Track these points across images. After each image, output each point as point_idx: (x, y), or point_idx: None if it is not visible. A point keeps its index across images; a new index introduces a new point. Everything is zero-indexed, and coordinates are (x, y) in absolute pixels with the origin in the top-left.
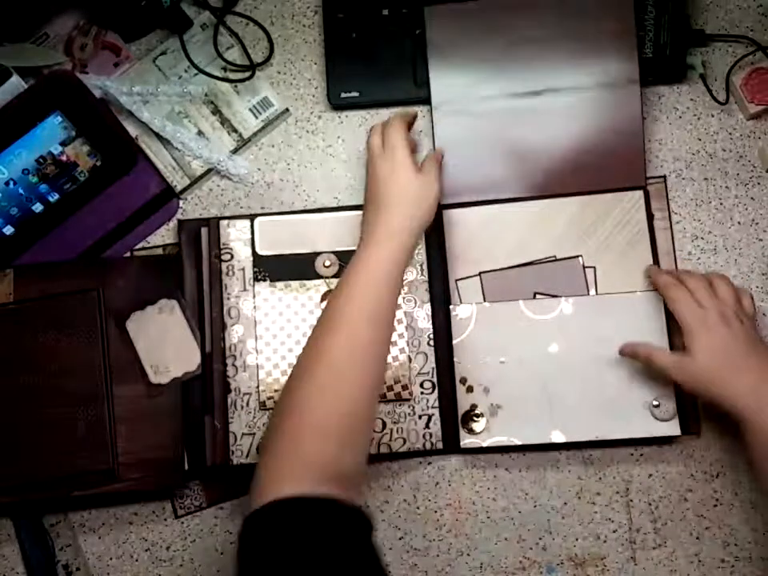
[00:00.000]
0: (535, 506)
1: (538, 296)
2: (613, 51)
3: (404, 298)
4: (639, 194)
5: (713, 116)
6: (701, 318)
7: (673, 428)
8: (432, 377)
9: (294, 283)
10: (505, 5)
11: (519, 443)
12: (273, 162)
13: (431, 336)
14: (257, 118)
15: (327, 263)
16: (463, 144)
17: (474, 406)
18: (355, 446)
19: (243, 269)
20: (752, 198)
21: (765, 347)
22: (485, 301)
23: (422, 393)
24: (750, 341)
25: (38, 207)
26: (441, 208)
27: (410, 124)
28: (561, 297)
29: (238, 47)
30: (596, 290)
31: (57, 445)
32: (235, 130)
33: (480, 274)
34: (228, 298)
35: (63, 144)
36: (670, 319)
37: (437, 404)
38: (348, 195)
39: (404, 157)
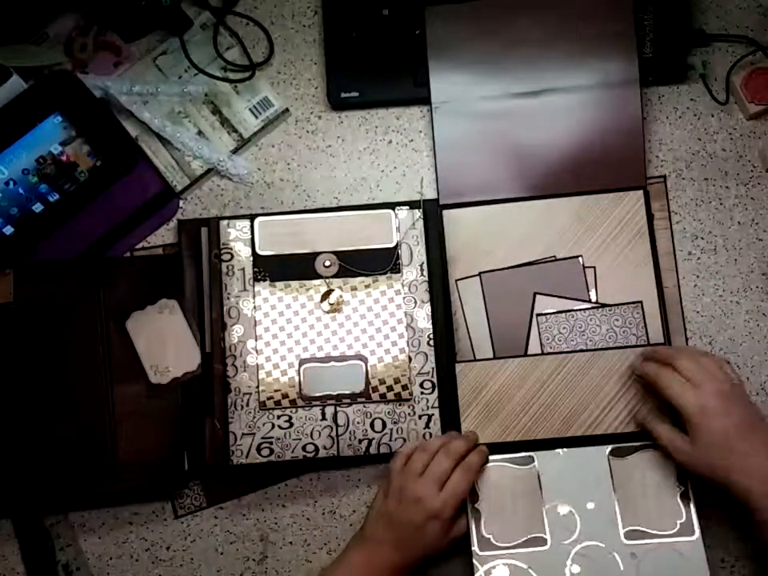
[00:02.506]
0: None
1: (537, 296)
2: (613, 51)
3: (404, 298)
4: (639, 194)
5: (713, 116)
6: (700, 406)
7: None
8: (432, 377)
9: (294, 283)
10: (505, 5)
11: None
12: (273, 162)
13: (431, 336)
14: (257, 118)
15: (327, 263)
16: (463, 144)
17: None
18: None
19: (243, 269)
20: (752, 198)
21: (763, 422)
22: (485, 301)
23: (421, 393)
24: (749, 420)
25: (38, 207)
26: (441, 208)
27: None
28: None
29: (238, 47)
30: (596, 291)
31: (57, 444)
32: (235, 130)
33: (480, 274)
34: (228, 298)
35: (63, 144)
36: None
37: (437, 404)
38: (348, 195)
39: (454, 510)
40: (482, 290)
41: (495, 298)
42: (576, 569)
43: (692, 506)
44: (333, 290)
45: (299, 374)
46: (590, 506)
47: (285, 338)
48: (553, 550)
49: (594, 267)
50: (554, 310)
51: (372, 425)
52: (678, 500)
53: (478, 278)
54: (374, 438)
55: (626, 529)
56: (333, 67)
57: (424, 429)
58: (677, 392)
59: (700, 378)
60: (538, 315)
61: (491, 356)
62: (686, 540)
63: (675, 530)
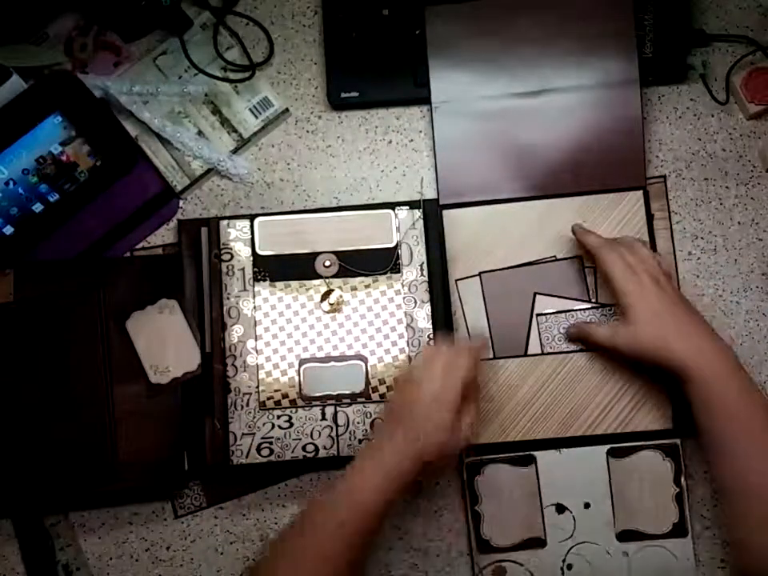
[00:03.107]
0: None
1: (537, 296)
2: (613, 51)
3: (404, 298)
4: (639, 194)
5: (713, 116)
6: (636, 283)
7: None
8: None
9: (294, 283)
10: (505, 5)
11: None
12: (273, 162)
13: (431, 336)
14: (257, 118)
15: (327, 263)
16: (463, 144)
17: None
18: None
19: (243, 269)
20: (752, 198)
21: (692, 305)
22: (485, 301)
23: None
24: (681, 300)
25: (38, 207)
26: (441, 208)
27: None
28: None
29: (238, 47)
30: (596, 292)
31: (57, 444)
32: (235, 130)
33: (480, 273)
34: (228, 298)
35: (63, 144)
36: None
37: None
38: (348, 195)
39: (451, 409)
40: (482, 290)
41: (495, 297)
42: (570, 567)
43: (686, 507)
44: (333, 290)
45: (299, 374)
46: (587, 505)
47: (285, 337)
48: (550, 550)
49: (594, 267)
50: (554, 310)
51: (372, 425)
52: (673, 501)
53: (477, 277)
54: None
55: (621, 529)
56: (333, 67)
57: None
58: (618, 272)
59: (637, 265)
60: (537, 315)
61: (491, 356)
62: (678, 540)
63: (668, 531)
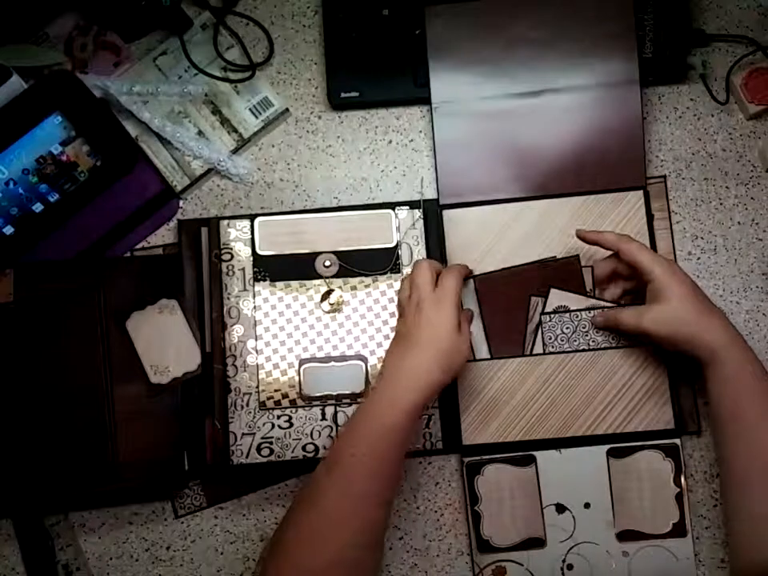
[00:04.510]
0: None
1: (532, 298)
2: (613, 51)
3: None
4: (639, 194)
5: (713, 116)
6: (667, 264)
7: None
8: None
9: (294, 283)
10: (505, 5)
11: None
12: (273, 162)
13: None
14: (257, 118)
15: (327, 263)
16: (463, 144)
17: None
18: None
19: (243, 269)
20: (752, 198)
21: None
22: (480, 305)
23: None
24: None
25: (38, 207)
26: (441, 208)
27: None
28: None
29: (238, 47)
30: (594, 291)
31: (57, 444)
32: (235, 130)
33: (474, 277)
34: (228, 298)
35: (63, 144)
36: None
37: (437, 404)
38: (348, 195)
39: (453, 307)
40: (476, 292)
41: (491, 299)
42: (570, 567)
43: (686, 507)
44: (333, 290)
45: (299, 374)
46: (587, 505)
47: (285, 337)
48: (550, 550)
49: (592, 267)
50: (563, 307)
51: None
52: (673, 501)
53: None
54: None
55: (621, 529)
56: (333, 67)
57: (424, 429)
58: (649, 256)
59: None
60: (542, 314)
61: (491, 356)
62: (678, 540)
63: (668, 531)
